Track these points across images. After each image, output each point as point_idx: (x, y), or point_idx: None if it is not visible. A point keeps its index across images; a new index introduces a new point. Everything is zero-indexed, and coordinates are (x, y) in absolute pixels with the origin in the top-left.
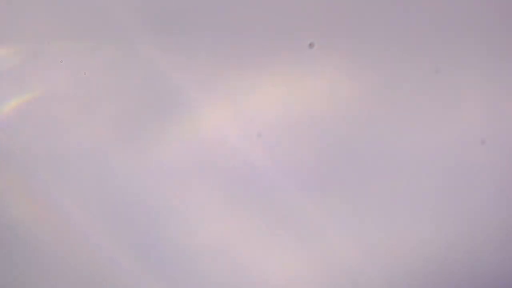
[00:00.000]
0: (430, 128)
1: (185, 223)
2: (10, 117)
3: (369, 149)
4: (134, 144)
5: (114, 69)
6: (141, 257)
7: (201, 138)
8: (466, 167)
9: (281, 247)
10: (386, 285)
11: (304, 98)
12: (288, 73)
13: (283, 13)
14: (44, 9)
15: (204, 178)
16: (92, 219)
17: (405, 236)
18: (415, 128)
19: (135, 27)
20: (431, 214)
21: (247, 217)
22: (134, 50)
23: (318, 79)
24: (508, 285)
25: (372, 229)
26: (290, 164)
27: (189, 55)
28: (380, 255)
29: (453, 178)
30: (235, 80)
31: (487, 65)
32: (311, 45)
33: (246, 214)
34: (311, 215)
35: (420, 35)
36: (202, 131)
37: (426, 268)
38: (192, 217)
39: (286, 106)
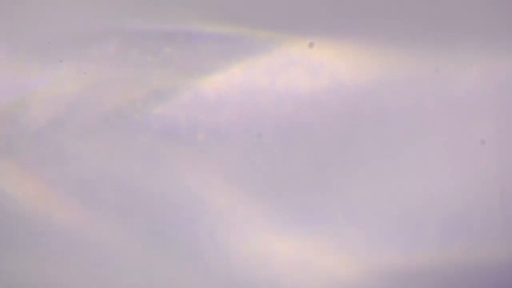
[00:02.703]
0: (431, 128)
1: (186, 216)
2: (12, 111)
3: (370, 148)
4: (135, 139)
5: (113, 63)
6: (142, 248)
7: (203, 132)
8: (466, 167)
9: (283, 240)
10: (384, 281)
11: (305, 95)
12: (290, 69)
13: (284, 8)
14: (43, 8)
15: (206, 172)
16: (93, 211)
17: (405, 234)
18: (415, 128)
19: (132, 21)
20: (431, 213)
21: (248, 211)
22: (131, 43)
23: (319, 77)
24: (509, 285)
25: (373, 226)
26: (290, 160)
27: (189, 49)
28: (380, 251)
29: (453, 177)
30: (236, 75)
31: (487, 64)
32: (310, 45)
33: (248, 208)
34: (312, 209)
35: (420, 35)
36: (204, 125)
37: (425, 266)
38: (194, 210)
39: (287, 104)
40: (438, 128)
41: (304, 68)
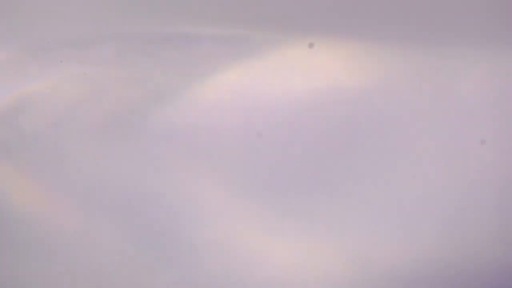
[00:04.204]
0: (430, 128)
1: (186, 218)
2: (11, 111)
3: (369, 148)
4: (134, 141)
5: (112, 65)
6: (141, 250)
7: (202, 134)
8: (466, 167)
9: (282, 240)
10: (383, 281)
11: (305, 95)
12: (289, 69)
13: (283, 9)
14: (44, 8)
15: (206, 173)
16: (92, 214)
17: (405, 235)
18: (415, 128)
19: (132, 23)
20: (431, 213)
21: (248, 212)
22: (130, 45)
23: (319, 77)
24: (508, 285)
25: (371, 226)
26: (290, 161)
27: (188, 50)
28: (379, 252)
29: (453, 178)
30: (236, 77)
31: (488, 65)
32: (310, 45)
33: (248, 208)
34: (311, 210)
35: (420, 35)
36: (203, 127)
37: (424, 267)
38: (194, 211)
39: (286, 104)
40: (438, 128)
41: (303, 70)
